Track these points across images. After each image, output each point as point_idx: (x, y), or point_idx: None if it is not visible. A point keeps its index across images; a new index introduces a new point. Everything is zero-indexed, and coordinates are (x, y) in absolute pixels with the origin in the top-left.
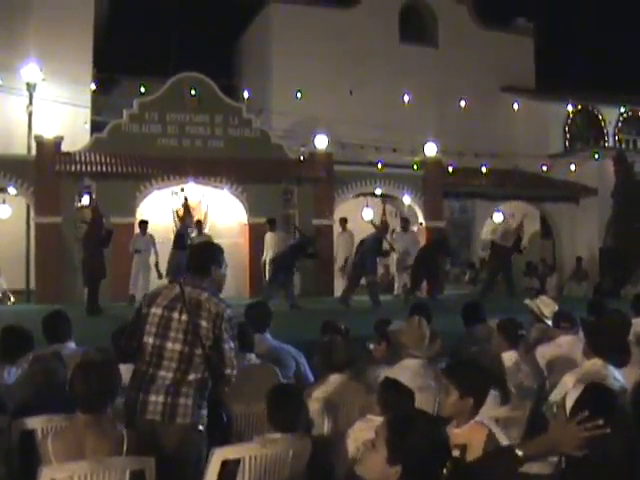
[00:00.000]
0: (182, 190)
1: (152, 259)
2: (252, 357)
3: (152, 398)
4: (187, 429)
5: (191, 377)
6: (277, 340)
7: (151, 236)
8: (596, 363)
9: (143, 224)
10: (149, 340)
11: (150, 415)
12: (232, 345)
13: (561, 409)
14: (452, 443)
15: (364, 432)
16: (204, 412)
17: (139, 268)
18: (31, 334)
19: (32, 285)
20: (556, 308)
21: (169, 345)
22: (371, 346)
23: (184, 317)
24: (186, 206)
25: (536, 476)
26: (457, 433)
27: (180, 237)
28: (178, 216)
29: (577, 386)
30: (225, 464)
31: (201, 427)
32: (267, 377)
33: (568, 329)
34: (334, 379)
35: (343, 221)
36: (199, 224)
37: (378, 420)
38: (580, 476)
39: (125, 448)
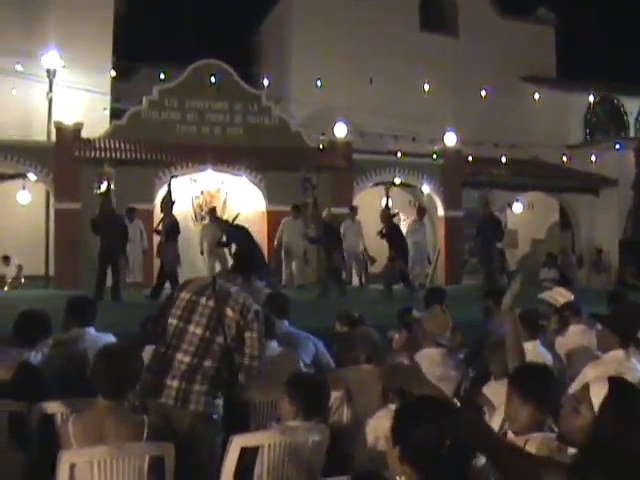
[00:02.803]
0: (174, 177)
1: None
2: (273, 345)
3: (167, 382)
4: (199, 416)
5: (207, 364)
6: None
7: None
8: (617, 355)
9: (130, 211)
10: (173, 322)
11: (163, 398)
12: (256, 337)
13: (582, 399)
14: None
15: (384, 421)
16: (219, 402)
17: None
18: (49, 318)
19: (51, 271)
20: (572, 298)
21: (191, 328)
22: (396, 336)
23: (210, 303)
24: (170, 196)
25: None
26: (517, 440)
27: (174, 229)
28: (198, 206)
29: (599, 380)
30: (244, 451)
31: (215, 416)
32: (287, 364)
33: (573, 318)
34: (357, 367)
35: (352, 210)
36: (213, 212)
37: None
38: (597, 470)
39: (145, 434)
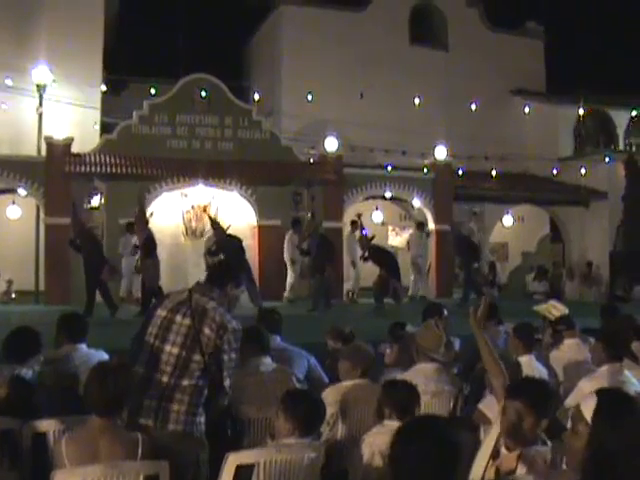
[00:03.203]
0: (140, 194)
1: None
2: (267, 361)
3: (146, 402)
4: (179, 436)
5: (185, 383)
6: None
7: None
8: (611, 368)
9: (131, 225)
10: (149, 341)
11: (143, 419)
12: (233, 357)
13: (576, 419)
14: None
15: (379, 437)
16: (200, 419)
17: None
18: (40, 335)
19: (41, 286)
20: (566, 312)
21: (167, 348)
22: (387, 350)
23: (186, 321)
24: (141, 210)
25: None
26: (510, 456)
27: (150, 244)
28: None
29: (588, 396)
30: (239, 469)
31: (197, 434)
32: (282, 381)
33: (567, 332)
34: (350, 383)
35: (354, 224)
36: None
37: (394, 425)
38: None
39: (140, 453)
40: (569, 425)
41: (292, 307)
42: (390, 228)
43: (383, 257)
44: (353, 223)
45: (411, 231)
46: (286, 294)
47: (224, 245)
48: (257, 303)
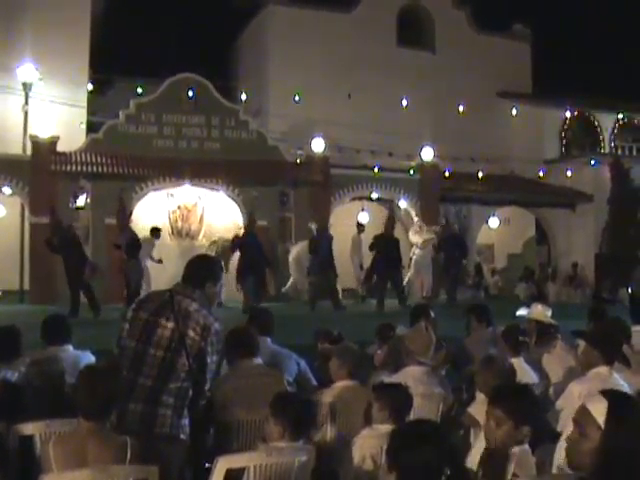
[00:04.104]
0: (121, 194)
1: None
2: (258, 363)
3: (131, 407)
4: (166, 439)
5: (171, 386)
6: (276, 345)
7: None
8: (601, 371)
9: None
10: (131, 344)
11: (129, 424)
12: (215, 359)
13: (584, 421)
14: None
15: (370, 440)
16: (185, 421)
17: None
18: (20, 334)
19: (26, 285)
20: (549, 314)
21: (151, 351)
22: (378, 351)
23: (170, 324)
24: (122, 209)
25: None
26: (500, 457)
27: (134, 245)
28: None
29: (590, 396)
30: (229, 472)
31: (183, 436)
32: (272, 383)
33: (554, 334)
34: (340, 385)
35: (360, 226)
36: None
37: (384, 429)
38: None
39: (129, 456)
40: (570, 427)
41: (285, 307)
42: (418, 221)
43: (393, 248)
44: (359, 225)
45: (433, 235)
46: (284, 289)
47: (244, 243)
48: (246, 306)
